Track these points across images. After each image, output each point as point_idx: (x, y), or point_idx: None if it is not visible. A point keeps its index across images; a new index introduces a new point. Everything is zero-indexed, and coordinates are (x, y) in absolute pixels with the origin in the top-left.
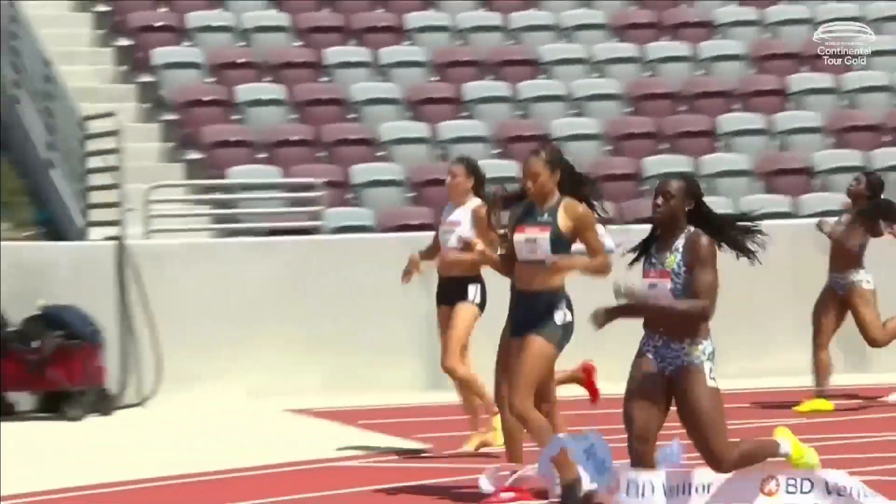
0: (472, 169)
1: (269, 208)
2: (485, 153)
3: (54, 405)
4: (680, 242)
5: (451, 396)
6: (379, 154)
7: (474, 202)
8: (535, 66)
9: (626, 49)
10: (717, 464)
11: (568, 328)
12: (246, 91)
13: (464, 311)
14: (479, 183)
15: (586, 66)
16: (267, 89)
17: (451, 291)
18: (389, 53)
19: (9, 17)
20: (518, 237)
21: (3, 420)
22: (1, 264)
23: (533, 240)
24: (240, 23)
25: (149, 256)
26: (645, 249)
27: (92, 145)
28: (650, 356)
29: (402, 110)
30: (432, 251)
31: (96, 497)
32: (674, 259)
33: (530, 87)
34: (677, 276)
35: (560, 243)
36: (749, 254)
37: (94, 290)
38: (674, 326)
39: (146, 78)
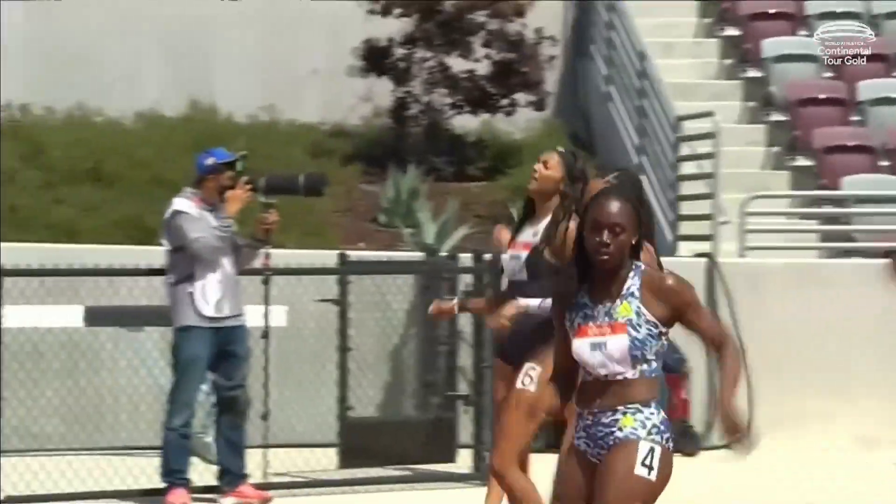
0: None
1: (889, 225)
2: None
3: None
4: (633, 285)
5: None
6: None
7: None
8: None
9: None
10: None
11: None
12: (869, 88)
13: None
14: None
15: None
16: (895, 86)
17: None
18: None
19: (606, 5)
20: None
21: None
22: None
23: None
24: (869, 8)
25: (744, 277)
26: (565, 297)
27: (685, 149)
28: (581, 445)
29: None
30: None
31: None
32: (627, 307)
33: None
34: (637, 326)
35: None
36: None
37: None
38: None
39: (753, 73)
